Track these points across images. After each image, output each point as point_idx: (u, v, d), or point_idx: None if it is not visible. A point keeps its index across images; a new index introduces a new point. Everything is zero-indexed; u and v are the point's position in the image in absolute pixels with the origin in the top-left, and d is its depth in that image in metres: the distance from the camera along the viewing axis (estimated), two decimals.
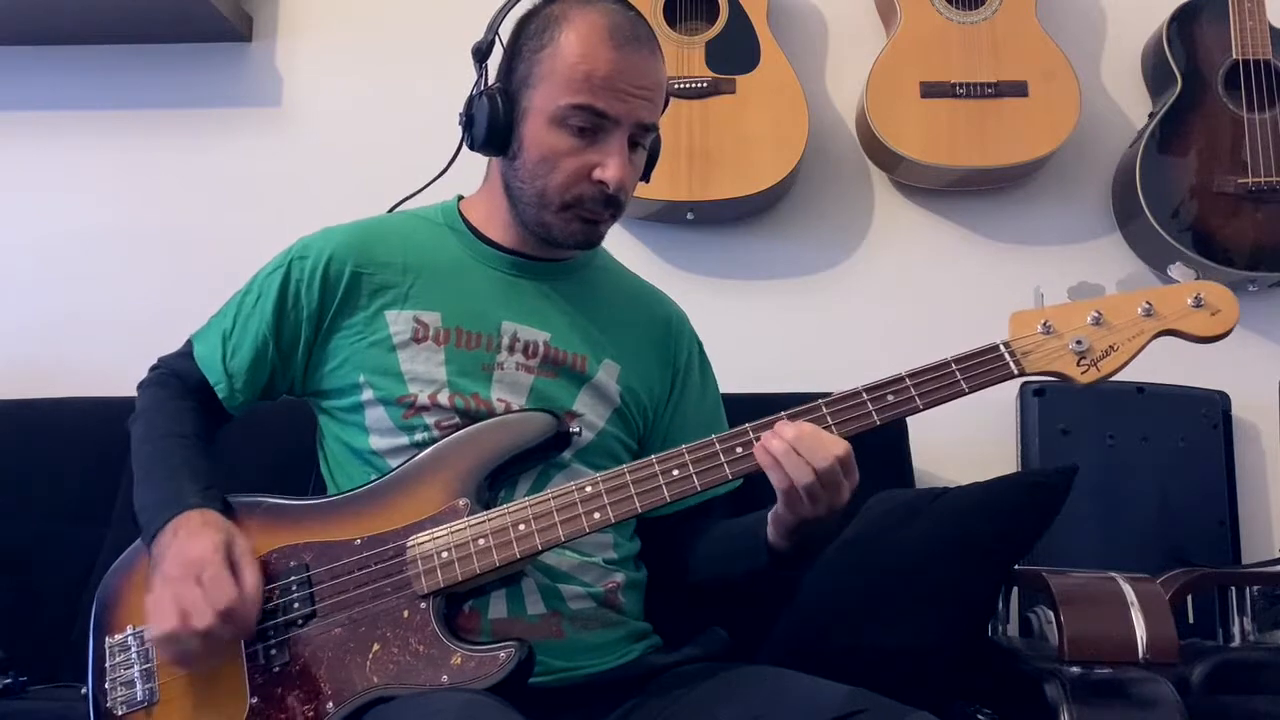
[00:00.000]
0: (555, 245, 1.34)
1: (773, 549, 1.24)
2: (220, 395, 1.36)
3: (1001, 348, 1.19)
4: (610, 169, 1.26)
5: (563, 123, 1.26)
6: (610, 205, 1.30)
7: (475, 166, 1.42)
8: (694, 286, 2.24)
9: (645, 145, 1.33)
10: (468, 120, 1.33)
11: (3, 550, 1.94)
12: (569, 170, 1.28)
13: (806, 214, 2.29)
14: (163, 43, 2.41)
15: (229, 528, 1.20)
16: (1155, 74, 2.23)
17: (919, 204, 2.29)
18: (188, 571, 1.14)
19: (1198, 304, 1.18)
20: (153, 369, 1.42)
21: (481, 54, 1.33)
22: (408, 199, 1.46)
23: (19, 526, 1.96)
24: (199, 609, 1.12)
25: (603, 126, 1.27)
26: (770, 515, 1.22)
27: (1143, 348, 1.18)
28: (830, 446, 1.13)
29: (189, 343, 1.41)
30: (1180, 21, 2.16)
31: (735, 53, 2.17)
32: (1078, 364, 1.18)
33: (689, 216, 2.18)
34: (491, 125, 1.29)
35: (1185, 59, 2.14)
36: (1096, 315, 1.18)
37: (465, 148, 1.36)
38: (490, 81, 1.33)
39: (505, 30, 1.35)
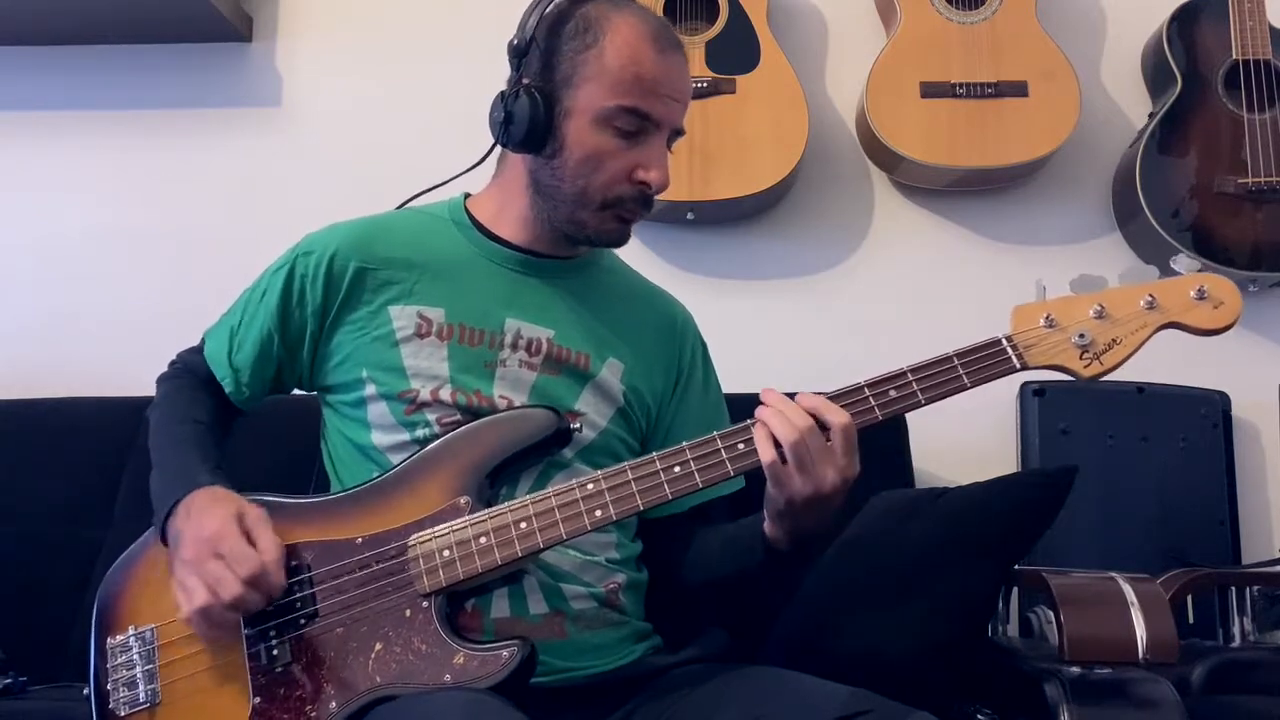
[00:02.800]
0: (585, 243, 1.35)
1: (769, 545, 1.23)
2: (227, 390, 1.37)
3: (1004, 341, 1.18)
4: (654, 171, 1.29)
5: (608, 123, 1.27)
6: (646, 205, 1.32)
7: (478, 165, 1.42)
8: (694, 286, 2.24)
9: (672, 150, 1.34)
10: (506, 117, 1.31)
11: (3, 550, 1.94)
12: (613, 171, 1.29)
13: (806, 214, 2.29)
14: (163, 43, 2.41)
15: (238, 500, 1.21)
16: (1155, 74, 2.23)
17: (919, 204, 2.29)
18: (206, 549, 1.16)
19: (1201, 296, 1.16)
20: (171, 364, 1.45)
21: (521, 52, 1.31)
22: (424, 193, 1.45)
23: (19, 526, 1.96)
24: (225, 581, 1.14)
25: (645, 129, 1.28)
26: (765, 504, 1.21)
27: (1145, 340, 1.17)
28: (821, 411, 1.14)
29: (202, 339, 1.43)
30: (1180, 21, 2.16)
31: (735, 53, 2.17)
32: (1080, 357, 1.16)
33: (689, 216, 2.19)
34: (532, 123, 1.29)
35: (1185, 59, 2.14)
36: (1099, 308, 1.17)
37: (500, 145, 1.34)
38: (523, 80, 1.31)
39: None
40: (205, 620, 1.16)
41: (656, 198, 1.34)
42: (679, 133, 1.34)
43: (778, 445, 1.14)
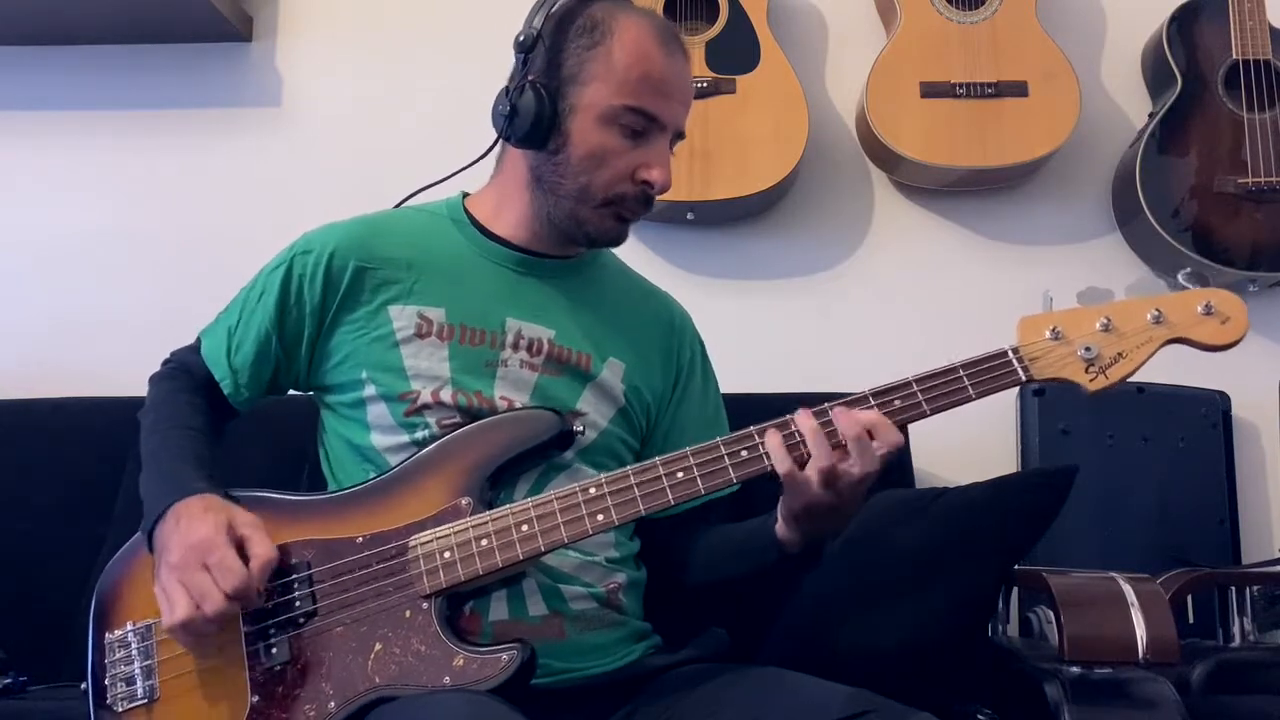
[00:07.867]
0: (584, 241, 1.35)
1: (782, 547, 1.24)
2: (225, 391, 1.36)
3: (1010, 354, 1.18)
4: (657, 172, 1.29)
5: (614, 122, 1.28)
6: (646, 205, 1.33)
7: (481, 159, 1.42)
8: (694, 286, 2.24)
9: (673, 152, 1.35)
10: (511, 111, 1.31)
11: (3, 550, 1.94)
12: (616, 170, 1.29)
13: (806, 214, 2.29)
14: (163, 43, 2.41)
15: (229, 508, 1.20)
16: (1155, 74, 2.23)
17: (919, 204, 2.29)
18: (193, 557, 1.15)
19: (1208, 311, 1.15)
20: (164, 363, 1.43)
21: (527, 47, 1.30)
22: (423, 190, 1.44)
23: (19, 526, 1.96)
24: (210, 594, 1.13)
25: (650, 130, 1.29)
26: (778, 509, 1.22)
27: (1151, 355, 1.16)
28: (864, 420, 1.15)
29: (198, 338, 1.41)
30: (1180, 21, 2.16)
31: (735, 53, 2.17)
32: (1086, 371, 1.16)
33: (689, 216, 2.19)
34: (538, 118, 1.29)
35: (1185, 59, 2.14)
36: (1106, 322, 1.16)
37: (503, 140, 1.34)
38: (528, 75, 1.30)
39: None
40: (186, 632, 1.15)
41: (656, 198, 1.34)
42: (680, 135, 1.34)
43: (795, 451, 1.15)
